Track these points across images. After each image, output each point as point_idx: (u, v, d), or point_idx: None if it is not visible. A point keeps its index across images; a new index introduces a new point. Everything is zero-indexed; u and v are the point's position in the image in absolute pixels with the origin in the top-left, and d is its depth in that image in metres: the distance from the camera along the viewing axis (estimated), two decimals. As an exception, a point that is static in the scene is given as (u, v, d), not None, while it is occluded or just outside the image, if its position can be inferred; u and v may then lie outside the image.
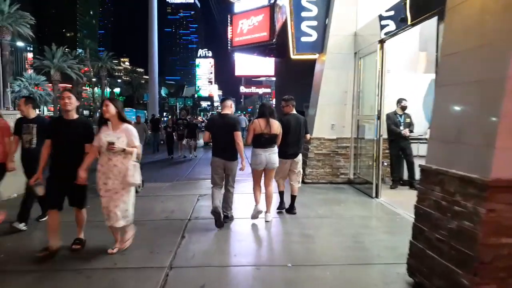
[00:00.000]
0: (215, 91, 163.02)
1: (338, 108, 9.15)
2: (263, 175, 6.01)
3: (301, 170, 6.59)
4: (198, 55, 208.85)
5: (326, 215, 6.55)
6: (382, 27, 7.40)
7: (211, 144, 6.01)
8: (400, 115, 8.45)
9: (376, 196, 7.69)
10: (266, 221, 5.97)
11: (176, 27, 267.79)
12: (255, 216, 5.95)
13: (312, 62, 18.19)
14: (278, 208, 6.62)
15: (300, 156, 6.46)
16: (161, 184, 9.70)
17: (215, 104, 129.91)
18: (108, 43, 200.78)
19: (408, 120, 8.41)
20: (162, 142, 18.52)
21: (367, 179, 8.28)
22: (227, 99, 5.89)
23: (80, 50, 77.18)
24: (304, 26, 9.34)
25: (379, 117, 7.58)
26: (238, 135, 5.58)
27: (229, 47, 23.10)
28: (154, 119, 19.46)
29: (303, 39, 9.39)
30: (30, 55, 76.24)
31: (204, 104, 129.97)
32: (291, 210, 6.51)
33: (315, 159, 9.17)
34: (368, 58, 8.46)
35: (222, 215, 5.69)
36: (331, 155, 9.19)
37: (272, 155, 5.85)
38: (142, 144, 12.03)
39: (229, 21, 22.51)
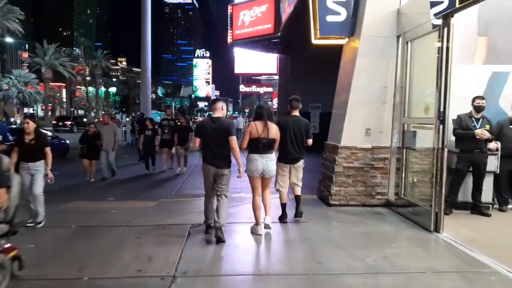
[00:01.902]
0: (212, 92, 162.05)
1: (374, 108, 7.01)
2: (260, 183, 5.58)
3: (301, 175, 6.15)
4: (196, 55, 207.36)
5: (381, 267, 4.34)
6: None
7: (202, 151, 5.45)
8: (477, 119, 6.31)
9: (436, 230, 5.54)
10: (265, 225, 5.56)
11: (174, 27, 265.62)
12: (253, 232, 5.57)
13: (324, 56, 16.00)
14: (279, 219, 6.10)
15: (301, 162, 6.01)
16: (142, 203, 7.53)
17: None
18: (106, 42, 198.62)
19: (487, 126, 6.27)
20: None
21: (417, 203, 6.15)
22: (217, 101, 5.51)
23: (77, 50, 74.91)
24: (330, 1, 7.17)
25: (442, 120, 5.43)
26: (234, 140, 5.18)
27: (228, 41, 20.99)
28: (142, 119, 15.19)
29: (329, 18, 7.22)
30: (27, 54, 74.17)
31: (201, 104, 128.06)
32: (297, 214, 6.08)
33: (344, 174, 7.02)
34: (419, 42, 6.34)
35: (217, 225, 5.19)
36: (365, 169, 7.04)
37: (269, 162, 5.44)
38: (108, 149, 10.24)
39: (229, 12, 20.40)
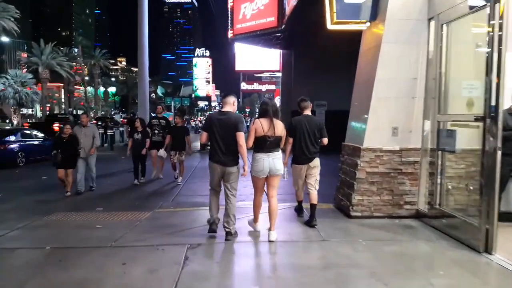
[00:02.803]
0: (212, 91, 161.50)
1: (402, 103, 6.01)
2: (265, 184, 5.32)
3: (318, 178, 5.93)
4: (196, 55, 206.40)
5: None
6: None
7: (209, 147, 5.27)
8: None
9: (487, 250, 4.55)
10: (269, 241, 5.09)
11: (173, 27, 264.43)
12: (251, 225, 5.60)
13: (330, 50, 14.98)
14: (299, 215, 6.32)
15: (317, 161, 5.82)
16: (133, 215, 6.56)
17: (213, 104, 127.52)
18: (105, 42, 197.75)
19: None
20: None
21: (457, 215, 5.17)
22: (229, 95, 5.30)
23: (75, 49, 73.83)
24: (348, -20, 6.18)
25: (494, 117, 4.43)
26: (241, 136, 4.97)
27: (229, 36, 19.98)
28: (132, 120, 13.11)
29: (348, -1, 6.22)
30: (26, 55, 73.22)
31: (201, 104, 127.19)
32: (310, 222, 5.74)
33: (367, 180, 6.02)
34: (458, 25, 5.34)
35: (217, 222, 5.22)
36: (392, 175, 6.04)
37: (276, 160, 5.15)
38: (87, 155, 8.68)
39: (229, 6, 19.38)
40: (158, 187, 9.51)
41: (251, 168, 5.19)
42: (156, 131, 10.44)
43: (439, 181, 5.65)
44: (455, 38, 5.44)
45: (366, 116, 6.06)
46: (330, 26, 6.45)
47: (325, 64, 18.87)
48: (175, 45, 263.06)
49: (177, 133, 9.94)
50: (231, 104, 5.19)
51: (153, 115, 13.75)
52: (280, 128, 5.16)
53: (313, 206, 5.74)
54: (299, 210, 6.36)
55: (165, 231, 5.57)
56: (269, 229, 5.17)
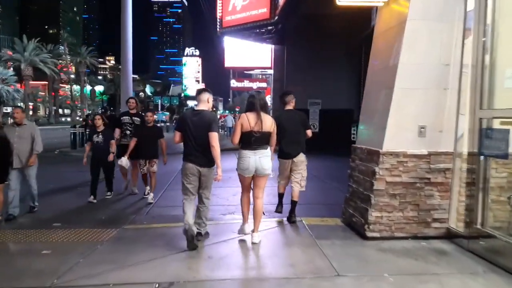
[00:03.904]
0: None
1: (432, 95, 4.79)
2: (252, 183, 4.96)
3: (305, 174, 5.76)
4: (185, 54, 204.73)
5: None
6: None
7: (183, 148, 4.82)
8: None
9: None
10: (252, 243, 4.79)
11: (162, 26, 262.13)
12: (241, 232, 5.08)
13: (324, 46, 13.86)
14: (276, 210, 5.91)
15: (302, 156, 5.65)
16: (95, 233, 5.27)
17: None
18: (94, 41, 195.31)
19: None
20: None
21: (509, 239, 3.97)
22: (203, 91, 4.89)
23: (61, 47, 71.95)
24: None
25: None
26: (214, 136, 4.62)
27: (218, 29, 18.68)
28: (109, 116, 11.21)
29: (363, -34, 4.99)
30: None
31: (191, 103, 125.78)
32: (290, 218, 5.68)
33: (387, 193, 4.79)
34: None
35: (195, 233, 4.65)
36: (418, 186, 4.82)
37: (263, 158, 4.77)
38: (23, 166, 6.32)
39: (218, -5, 18.11)
40: (132, 197, 8.02)
41: (237, 166, 4.90)
42: (128, 132, 8.02)
43: (480, 194, 4.45)
44: (506, 10, 4.24)
45: (386, 111, 4.83)
46: (339, 1, 5.20)
47: (320, 60, 17.76)
48: (164, 44, 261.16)
49: (146, 134, 7.40)
50: (206, 102, 4.84)
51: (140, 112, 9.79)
52: (268, 123, 4.79)
53: (294, 203, 5.71)
54: (278, 204, 5.95)
55: (129, 260, 4.28)
56: (253, 231, 4.91)
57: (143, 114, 8.07)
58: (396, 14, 4.99)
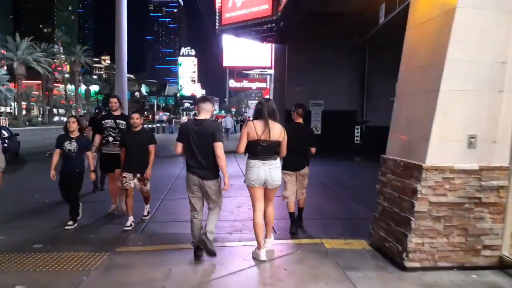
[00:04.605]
0: (198, 90, 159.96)
1: (484, 99, 4.01)
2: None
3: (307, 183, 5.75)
4: (181, 54, 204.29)
5: None
6: None
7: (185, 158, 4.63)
8: None
9: None
10: (266, 250, 4.54)
11: (158, 25, 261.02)
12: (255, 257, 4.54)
13: (327, 44, 13.32)
14: (290, 231, 5.53)
15: (307, 169, 5.67)
16: (82, 259, 4.45)
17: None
18: (89, 40, 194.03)
19: None
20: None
21: None
22: (205, 100, 4.68)
23: (56, 46, 70.86)
24: None
25: None
26: (219, 146, 4.42)
27: (216, 27, 17.89)
28: (92, 119, 9.46)
29: None
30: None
31: (186, 103, 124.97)
32: (299, 220, 5.79)
33: (430, 215, 4.01)
34: None
35: (209, 239, 4.40)
36: (466, 207, 4.04)
37: (273, 170, 4.51)
38: None
39: (217, -8, 17.31)
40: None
41: (245, 176, 4.65)
42: (111, 139, 6.56)
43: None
44: None
45: (428, 118, 4.04)
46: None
47: (322, 60, 17.04)
48: (160, 43, 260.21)
49: (133, 142, 5.91)
50: (207, 111, 4.61)
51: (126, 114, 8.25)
52: (277, 132, 4.51)
53: (300, 210, 5.87)
54: (291, 225, 5.64)
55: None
56: (266, 236, 4.73)
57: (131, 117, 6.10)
58: (440, 2, 4.20)
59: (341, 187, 9.39)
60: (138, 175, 5.96)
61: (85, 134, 7.02)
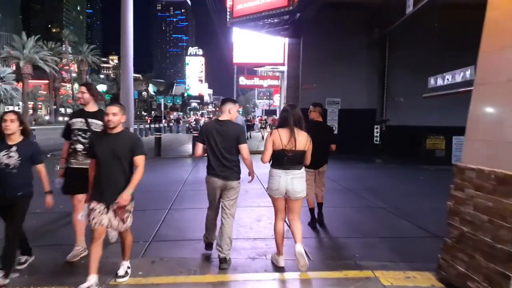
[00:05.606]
0: (205, 90, 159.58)
1: None
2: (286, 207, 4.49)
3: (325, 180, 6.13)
4: (188, 53, 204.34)
5: None
6: None
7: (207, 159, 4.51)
8: None
9: None
10: (297, 252, 4.11)
11: (166, 25, 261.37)
12: (274, 262, 4.47)
13: (345, 38, 12.18)
14: (309, 224, 5.91)
15: (325, 167, 6.02)
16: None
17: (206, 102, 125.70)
18: (98, 40, 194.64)
19: None
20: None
21: None
22: (226, 102, 4.68)
23: (63, 45, 70.46)
24: None
25: None
26: (245, 148, 4.46)
27: (228, 20, 16.82)
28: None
29: None
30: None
31: (194, 103, 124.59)
32: (318, 221, 6.00)
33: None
34: None
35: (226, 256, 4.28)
36: None
37: (295, 180, 4.28)
38: None
39: (228, -17, 16.25)
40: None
41: (267, 185, 4.46)
42: (80, 146, 4.47)
43: None
44: None
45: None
46: None
47: (339, 55, 15.98)
48: (167, 43, 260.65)
49: (105, 150, 3.76)
50: (227, 112, 4.58)
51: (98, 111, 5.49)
52: (303, 141, 4.34)
53: (320, 205, 6.07)
54: (311, 220, 6.00)
55: None
56: (295, 242, 4.28)
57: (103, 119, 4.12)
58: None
59: (368, 193, 8.26)
60: (114, 206, 3.75)
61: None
